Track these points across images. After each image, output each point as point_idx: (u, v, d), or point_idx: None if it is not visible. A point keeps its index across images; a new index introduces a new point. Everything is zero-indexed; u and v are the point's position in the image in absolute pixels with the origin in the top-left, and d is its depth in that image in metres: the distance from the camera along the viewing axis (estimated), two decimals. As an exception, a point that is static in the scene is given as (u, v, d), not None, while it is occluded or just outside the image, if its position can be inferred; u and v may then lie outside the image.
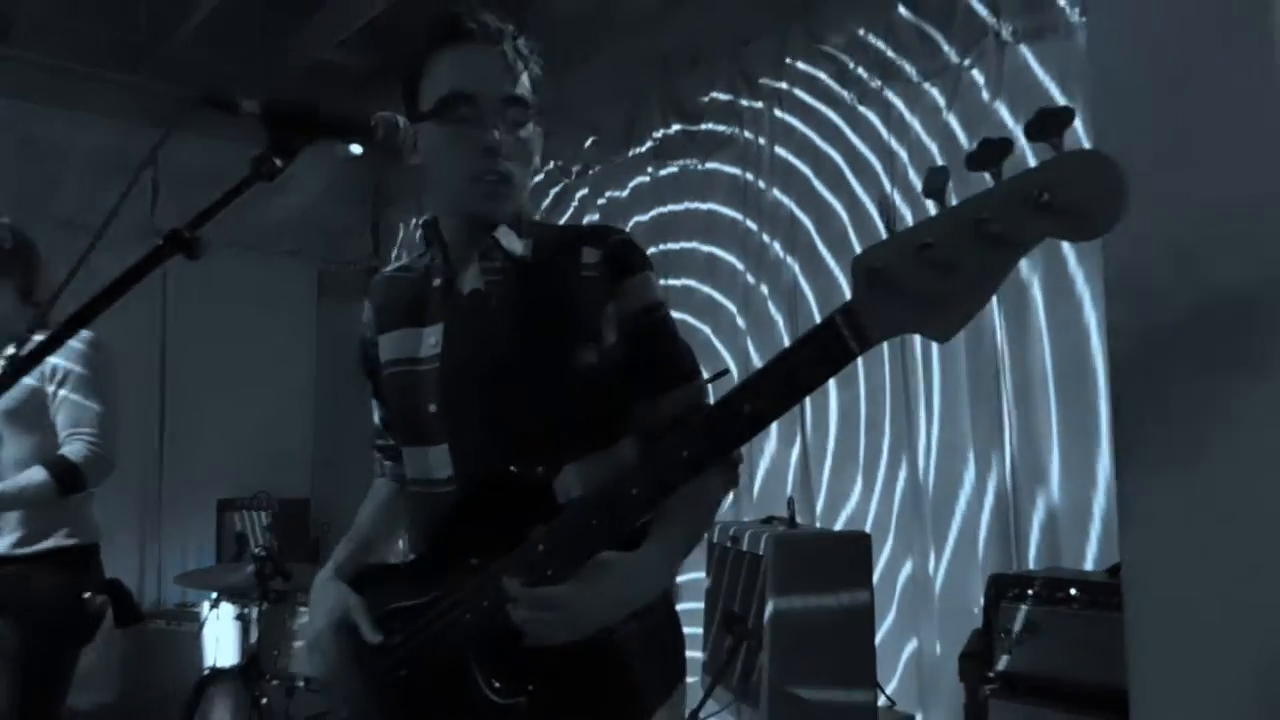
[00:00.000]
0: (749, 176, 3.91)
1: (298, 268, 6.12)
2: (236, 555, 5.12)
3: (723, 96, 4.02)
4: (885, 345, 3.28)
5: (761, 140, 3.84)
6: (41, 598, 2.41)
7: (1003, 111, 3.05)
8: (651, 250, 4.17)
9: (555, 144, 4.79)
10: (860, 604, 2.63)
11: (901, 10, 3.28)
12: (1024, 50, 3.01)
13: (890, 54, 3.36)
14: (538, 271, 1.36)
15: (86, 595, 2.51)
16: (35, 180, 5.12)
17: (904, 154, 3.36)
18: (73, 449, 2.44)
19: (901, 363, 3.35)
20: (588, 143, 4.60)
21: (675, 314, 1.42)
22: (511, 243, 1.38)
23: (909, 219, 3.31)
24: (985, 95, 3.07)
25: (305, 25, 5.26)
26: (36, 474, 2.42)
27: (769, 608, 2.51)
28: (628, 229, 4.39)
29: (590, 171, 4.69)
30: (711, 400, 1.32)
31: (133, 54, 5.35)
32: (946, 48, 3.18)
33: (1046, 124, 0.91)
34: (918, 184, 3.26)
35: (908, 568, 3.30)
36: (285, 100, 1.10)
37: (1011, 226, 0.91)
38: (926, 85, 3.27)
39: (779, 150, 3.79)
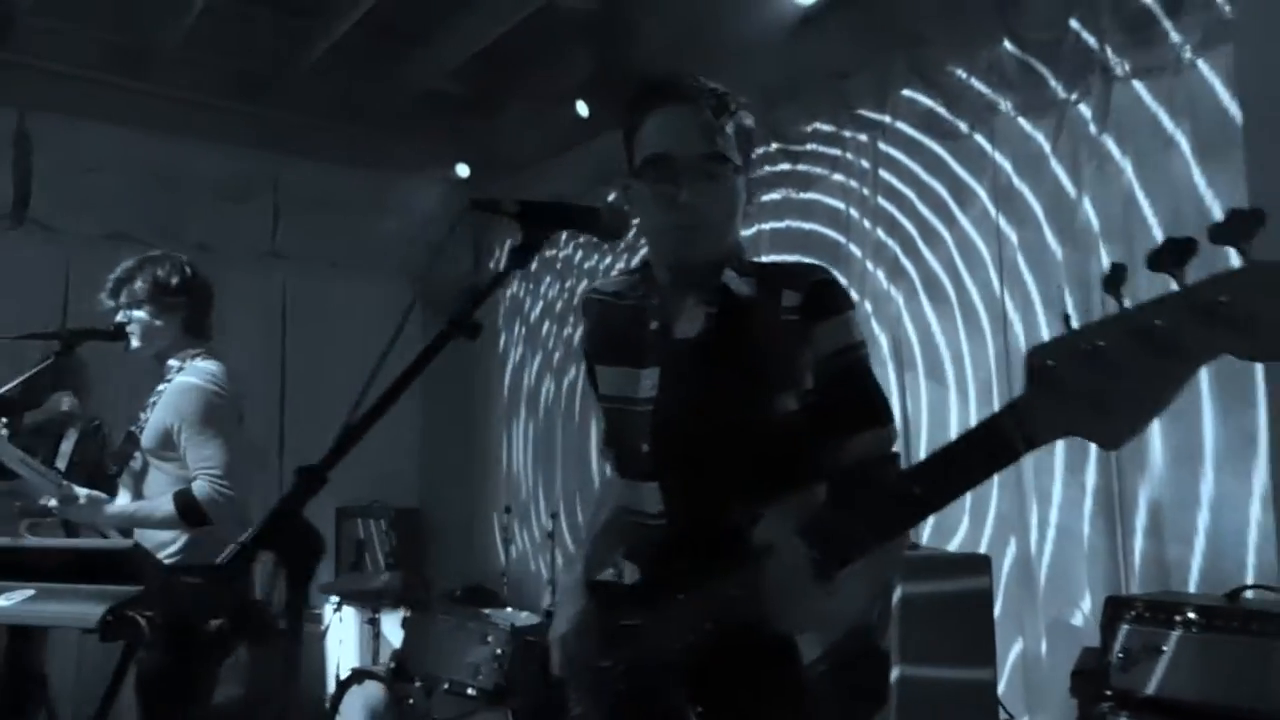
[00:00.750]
0: (852, 213, 4.04)
1: (402, 285, 6.39)
2: (355, 562, 5.41)
3: (824, 145, 4.14)
4: (992, 350, 3.42)
5: (865, 191, 3.96)
6: (176, 606, 2.52)
7: (1110, 143, 3.14)
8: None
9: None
10: (980, 587, 2.77)
11: (1007, 46, 3.37)
12: (1136, 85, 3.08)
13: (990, 92, 3.45)
14: (744, 317, 1.42)
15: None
16: (168, 207, 5.45)
17: (1009, 189, 3.44)
18: (199, 486, 2.54)
19: (1005, 362, 3.45)
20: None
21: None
22: (737, 285, 1.45)
23: (1019, 264, 3.41)
24: (1093, 129, 3.16)
25: (417, 55, 5.53)
26: (164, 504, 2.57)
27: (896, 594, 2.67)
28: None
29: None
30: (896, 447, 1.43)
31: (253, 84, 5.66)
32: (1053, 82, 3.27)
33: (1235, 227, 0.85)
34: (1011, 230, 3.38)
35: (1012, 549, 3.39)
36: (538, 201, 1.27)
37: (1185, 336, 0.87)
38: (1030, 120, 3.37)
39: (880, 196, 3.92)
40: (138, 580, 2.16)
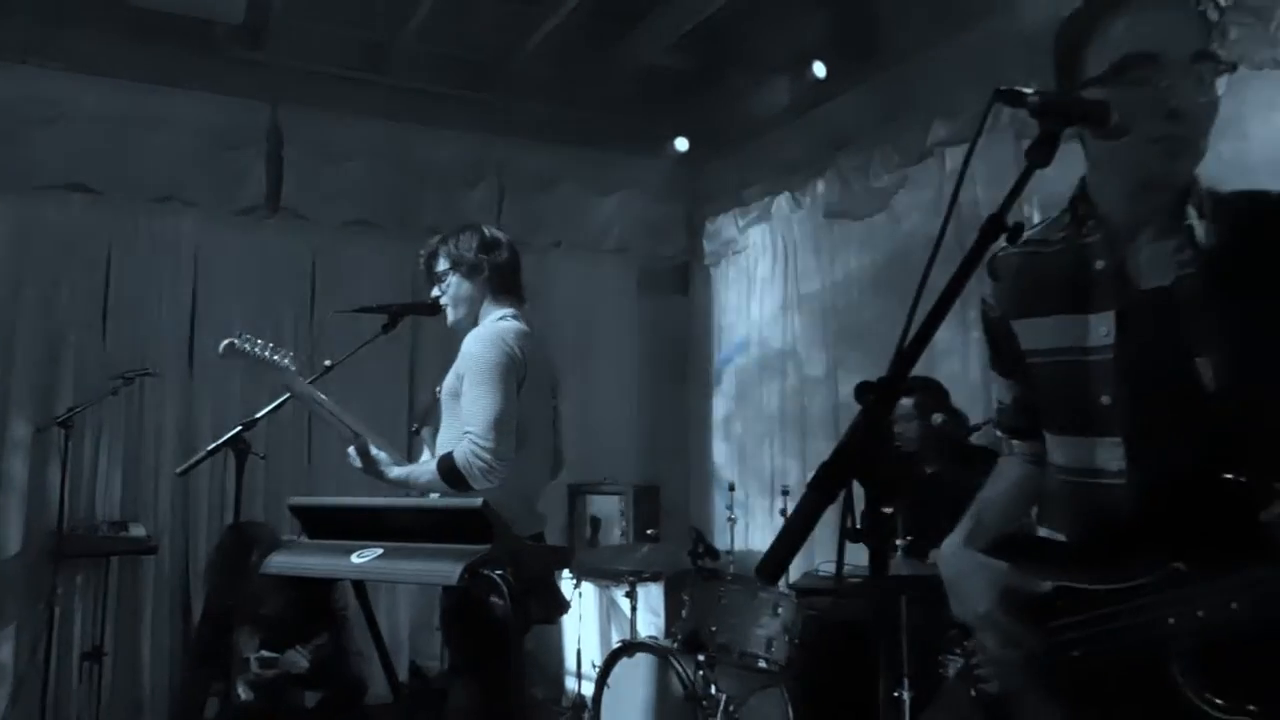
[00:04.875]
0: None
1: (621, 265, 6.40)
2: (592, 537, 5.45)
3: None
4: None
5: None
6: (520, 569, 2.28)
7: None
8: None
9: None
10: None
11: None
12: None
13: None
14: (1234, 260, 1.26)
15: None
16: (405, 194, 5.63)
17: None
18: (459, 449, 2.48)
19: None
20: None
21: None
22: (1196, 227, 1.29)
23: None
24: None
25: (634, 33, 5.49)
26: (430, 467, 2.56)
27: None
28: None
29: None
30: None
31: (479, 72, 5.77)
32: None
33: None
34: None
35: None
36: (1057, 95, 1.14)
37: None
38: None
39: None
40: (485, 539, 2.16)
